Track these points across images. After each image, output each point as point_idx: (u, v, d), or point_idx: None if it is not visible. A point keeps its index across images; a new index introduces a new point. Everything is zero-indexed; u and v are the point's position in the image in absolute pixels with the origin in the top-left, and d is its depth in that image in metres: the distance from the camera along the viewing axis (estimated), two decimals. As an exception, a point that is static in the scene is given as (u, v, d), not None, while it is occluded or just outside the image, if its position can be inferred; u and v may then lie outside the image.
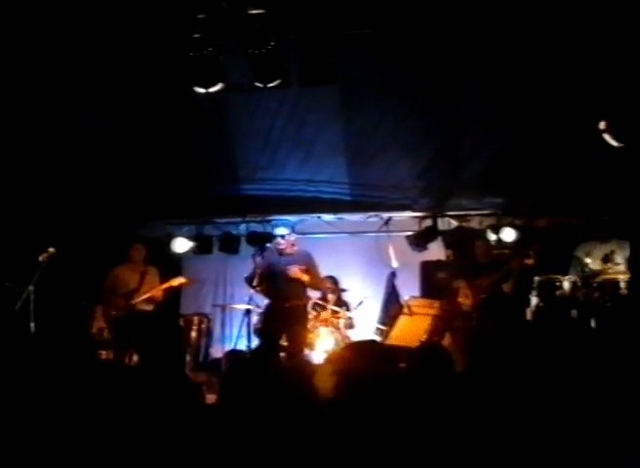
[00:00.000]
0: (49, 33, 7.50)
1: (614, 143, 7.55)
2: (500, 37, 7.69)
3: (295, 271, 7.88)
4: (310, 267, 8.10)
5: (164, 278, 8.67)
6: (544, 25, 7.36)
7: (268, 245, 8.42)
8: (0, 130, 8.54)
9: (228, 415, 3.20)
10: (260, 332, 8.30)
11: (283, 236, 8.15)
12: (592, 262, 7.69)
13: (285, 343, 8.09)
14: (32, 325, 7.26)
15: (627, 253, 7.73)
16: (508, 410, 3.01)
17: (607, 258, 7.70)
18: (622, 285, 7.41)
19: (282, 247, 8.07)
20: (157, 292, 8.51)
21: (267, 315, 8.22)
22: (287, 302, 8.00)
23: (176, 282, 8.64)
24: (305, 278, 7.99)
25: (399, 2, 7.29)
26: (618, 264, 7.64)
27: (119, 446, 2.90)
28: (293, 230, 8.67)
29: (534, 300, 7.60)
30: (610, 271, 7.64)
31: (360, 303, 9.32)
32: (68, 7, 7.18)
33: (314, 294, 9.05)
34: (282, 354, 7.98)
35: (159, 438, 2.89)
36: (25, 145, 8.77)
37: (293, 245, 8.17)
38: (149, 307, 8.53)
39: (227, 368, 5.41)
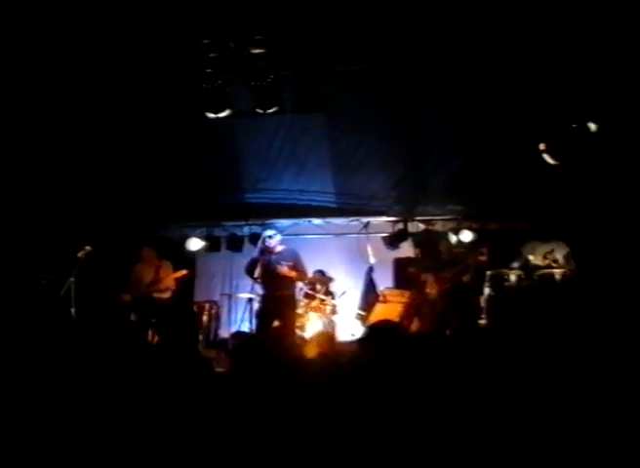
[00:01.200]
0: (95, 60, 7.46)
1: (551, 161, 7.86)
2: (458, 79, 7.92)
3: (284, 270, 8.13)
4: (296, 263, 8.31)
5: (178, 270, 8.94)
6: (490, 71, 7.60)
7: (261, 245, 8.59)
8: (42, 153, 8.55)
9: (236, 382, 3.34)
10: (257, 316, 8.38)
11: (270, 236, 8.34)
12: (535, 259, 7.74)
13: (278, 325, 8.23)
14: (73, 310, 7.44)
15: (564, 251, 7.80)
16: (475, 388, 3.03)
17: (547, 256, 7.73)
18: (558, 277, 7.47)
19: (270, 245, 8.27)
20: (169, 281, 8.82)
21: (263, 302, 8.40)
22: (278, 292, 8.22)
23: (179, 274, 8.89)
24: (293, 274, 8.25)
25: (377, 46, 7.47)
26: (556, 261, 7.69)
27: (147, 405, 3.08)
28: (279, 232, 8.80)
29: (486, 290, 7.71)
30: (548, 266, 7.67)
31: (343, 293, 9.47)
32: (103, 40, 7.20)
33: (306, 286, 9.27)
34: (278, 334, 8.01)
35: (177, 401, 3.05)
36: (66, 163, 8.78)
37: (281, 244, 8.42)
38: (166, 295, 8.82)
39: (236, 345, 5.47)
